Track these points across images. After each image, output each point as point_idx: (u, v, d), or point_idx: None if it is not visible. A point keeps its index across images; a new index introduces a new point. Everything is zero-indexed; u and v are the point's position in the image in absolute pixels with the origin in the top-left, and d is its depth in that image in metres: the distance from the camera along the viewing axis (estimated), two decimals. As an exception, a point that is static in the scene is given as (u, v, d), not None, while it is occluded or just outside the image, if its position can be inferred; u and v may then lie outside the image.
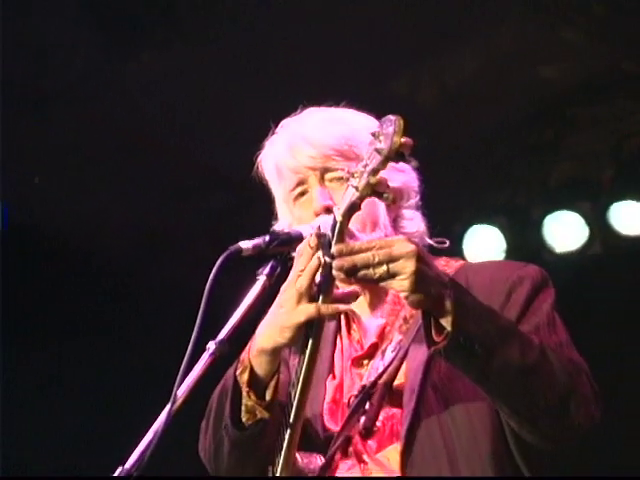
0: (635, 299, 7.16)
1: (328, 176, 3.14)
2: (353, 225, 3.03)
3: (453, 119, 6.36)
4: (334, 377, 3.25)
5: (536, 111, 7.19)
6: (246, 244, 2.92)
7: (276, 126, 3.29)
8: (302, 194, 3.17)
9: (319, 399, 3.24)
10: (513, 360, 2.82)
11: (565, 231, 7.36)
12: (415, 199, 3.29)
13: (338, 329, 3.31)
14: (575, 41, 6.63)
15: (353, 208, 2.83)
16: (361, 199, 2.82)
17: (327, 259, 2.83)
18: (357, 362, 3.17)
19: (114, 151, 7.58)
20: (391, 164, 2.86)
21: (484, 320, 2.85)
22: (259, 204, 3.38)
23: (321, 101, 3.31)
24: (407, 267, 2.71)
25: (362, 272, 2.72)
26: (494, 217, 7.48)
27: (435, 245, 3.28)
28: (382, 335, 3.18)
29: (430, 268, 2.80)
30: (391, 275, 2.71)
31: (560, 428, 2.90)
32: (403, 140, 2.74)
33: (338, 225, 2.81)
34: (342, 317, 3.29)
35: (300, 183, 3.14)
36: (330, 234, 2.86)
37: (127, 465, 2.77)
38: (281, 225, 3.21)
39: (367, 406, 3.06)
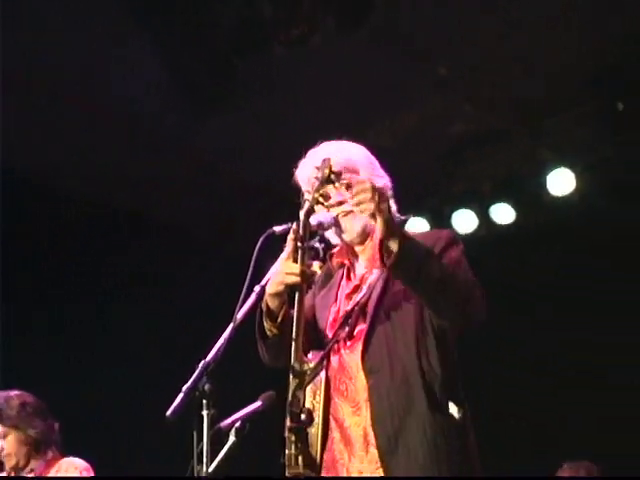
0: (502, 268, 8.35)
1: (337, 184, 3.54)
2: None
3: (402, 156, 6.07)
4: (336, 304, 3.72)
5: (446, 153, 8.52)
6: (278, 228, 3.46)
7: (305, 154, 3.77)
8: None
9: (325, 317, 3.72)
10: (434, 272, 3.30)
11: (464, 221, 8.82)
12: (390, 192, 3.72)
13: (342, 276, 3.77)
14: (466, 109, 8.01)
15: (309, 212, 3.40)
16: (311, 206, 3.41)
17: (299, 243, 3.37)
18: (348, 296, 3.66)
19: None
20: (375, 171, 3.71)
21: (417, 247, 3.35)
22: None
23: (328, 139, 3.80)
24: (369, 204, 3.30)
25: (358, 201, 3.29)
26: (424, 213, 8.61)
27: (403, 218, 3.70)
28: (362, 279, 3.66)
29: (383, 198, 3.34)
30: (368, 201, 3.29)
31: (461, 317, 3.41)
32: (328, 172, 3.41)
33: (302, 221, 3.38)
34: (345, 269, 3.78)
35: None
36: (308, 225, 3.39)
37: (208, 358, 3.31)
38: None
39: (349, 322, 3.57)
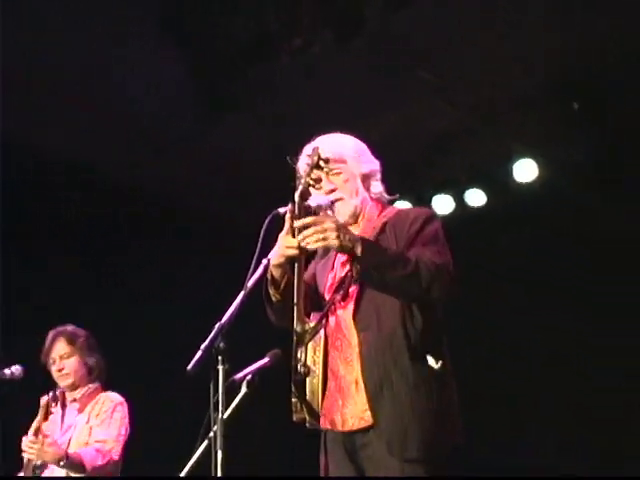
0: (475, 245, 8.23)
1: (330, 175, 3.63)
2: (345, 193, 3.62)
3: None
4: (332, 271, 3.72)
5: (427, 146, 8.55)
6: (281, 209, 3.43)
7: (303, 146, 3.72)
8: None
9: (324, 283, 3.72)
10: (396, 274, 3.30)
11: (442, 204, 8.84)
12: (378, 176, 3.75)
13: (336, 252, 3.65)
14: (444, 109, 8.00)
15: (303, 194, 3.41)
16: (304, 189, 3.42)
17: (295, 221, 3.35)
18: (343, 264, 3.63)
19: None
20: (362, 158, 3.69)
21: (379, 256, 3.34)
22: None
23: (324, 133, 3.77)
24: (332, 234, 3.27)
25: (310, 239, 3.29)
26: (408, 197, 8.41)
27: (390, 198, 3.76)
28: None
29: (347, 232, 3.32)
30: (324, 239, 3.28)
31: (429, 298, 3.41)
32: (317, 158, 3.45)
33: (297, 202, 3.39)
34: None
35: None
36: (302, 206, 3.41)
37: (222, 320, 3.29)
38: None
39: (343, 286, 3.57)
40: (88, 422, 5.11)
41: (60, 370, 5.19)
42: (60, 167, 7.98)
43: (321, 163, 3.44)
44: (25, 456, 4.92)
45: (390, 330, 3.43)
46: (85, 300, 7.74)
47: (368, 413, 3.39)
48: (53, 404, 5.16)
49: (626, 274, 8.18)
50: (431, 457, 3.34)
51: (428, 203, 8.72)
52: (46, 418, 5.01)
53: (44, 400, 5.11)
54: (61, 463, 4.88)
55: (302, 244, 3.32)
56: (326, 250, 3.70)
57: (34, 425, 4.94)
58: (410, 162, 8.58)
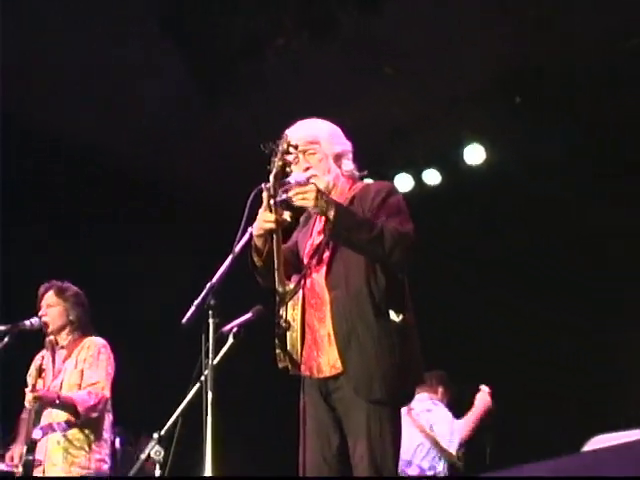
0: (432, 219, 7.87)
1: (307, 155, 3.59)
2: (318, 170, 3.57)
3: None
4: (310, 238, 3.68)
5: (390, 130, 8.47)
6: (265, 184, 3.35)
7: (284, 130, 3.59)
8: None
9: (303, 249, 3.69)
10: (363, 236, 3.33)
11: (402, 183, 8.69)
12: (350, 155, 3.71)
13: (316, 218, 3.67)
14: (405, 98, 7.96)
15: (276, 175, 3.34)
16: (277, 171, 3.33)
17: (271, 199, 3.35)
18: (319, 233, 3.60)
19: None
20: (335, 140, 3.64)
21: (349, 219, 3.37)
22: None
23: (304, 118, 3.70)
24: (311, 194, 3.33)
25: (295, 198, 3.34)
26: (373, 176, 6.94)
27: (360, 174, 3.72)
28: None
29: (325, 196, 3.36)
30: (304, 199, 3.34)
31: (390, 261, 3.41)
32: (287, 145, 3.35)
33: (271, 182, 3.34)
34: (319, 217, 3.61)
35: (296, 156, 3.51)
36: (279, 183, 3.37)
37: (213, 280, 3.30)
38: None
39: (319, 251, 3.56)
40: (76, 367, 5.05)
41: (43, 316, 5.10)
42: (61, 149, 7.84)
43: (290, 149, 3.36)
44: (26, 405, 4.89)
45: (356, 289, 3.41)
46: (92, 261, 7.69)
47: (339, 362, 3.38)
48: (45, 351, 5.18)
49: (566, 250, 8.15)
50: (393, 399, 3.36)
51: (391, 181, 8.19)
52: (40, 375, 4.96)
53: (37, 360, 5.16)
54: (57, 402, 4.88)
55: (293, 200, 3.36)
56: (307, 219, 3.69)
57: (30, 381, 4.92)
58: (374, 144, 8.09)
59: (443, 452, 6.39)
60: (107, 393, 5.02)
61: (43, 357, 5.15)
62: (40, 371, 4.96)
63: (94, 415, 4.95)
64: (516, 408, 7.73)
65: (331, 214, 3.31)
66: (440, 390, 6.68)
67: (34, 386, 4.82)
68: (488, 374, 7.49)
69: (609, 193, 7.80)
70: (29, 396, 4.76)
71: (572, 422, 7.28)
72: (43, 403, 4.85)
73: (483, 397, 6.41)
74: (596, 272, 7.92)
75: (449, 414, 6.49)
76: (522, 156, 8.11)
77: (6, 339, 4.93)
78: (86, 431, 4.95)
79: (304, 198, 3.32)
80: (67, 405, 4.89)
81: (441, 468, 6.42)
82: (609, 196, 7.80)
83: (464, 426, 6.38)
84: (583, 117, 7.60)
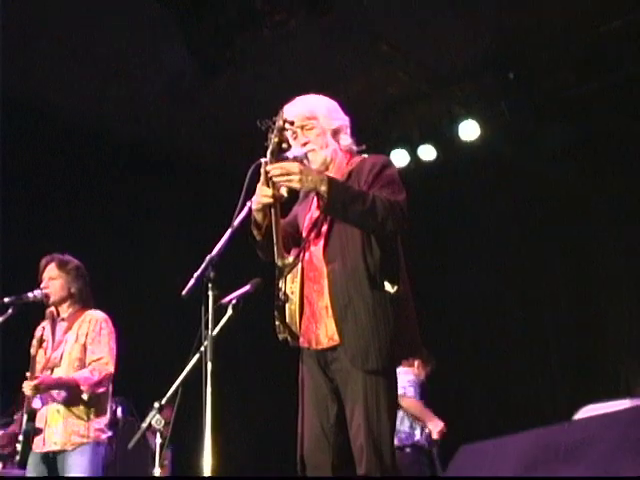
0: (427, 195, 8.31)
1: (305, 130, 3.57)
2: (316, 145, 3.55)
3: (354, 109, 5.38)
4: (309, 213, 3.67)
5: (386, 107, 8.62)
6: (264, 159, 3.34)
7: (283, 106, 3.55)
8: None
9: (302, 222, 3.68)
10: (357, 208, 3.31)
11: (398, 158, 8.71)
12: (348, 130, 3.67)
13: (314, 196, 3.60)
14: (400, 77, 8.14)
15: (273, 151, 3.32)
16: (274, 147, 3.32)
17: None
18: (318, 207, 3.55)
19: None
20: (333, 115, 3.61)
21: (342, 193, 3.33)
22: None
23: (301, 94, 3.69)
24: (295, 177, 3.29)
25: (279, 180, 3.30)
26: (369, 152, 7.45)
27: (358, 149, 3.68)
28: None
29: (310, 174, 3.33)
30: (288, 181, 3.31)
31: (383, 232, 3.40)
32: (283, 121, 3.31)
33: (268, 158, 3.32)
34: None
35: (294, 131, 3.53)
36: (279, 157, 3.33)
37: (213, 253, 3.30)
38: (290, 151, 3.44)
39: (317, 225, 3.55)
40: (77, 340, 5.05)
41: (44, 289, 5.09)
42: (61, 120, 7.84)
43: (286, 125, 3.32)
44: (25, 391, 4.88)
45: (353, 262, 3.40)
46: (91, 232, 7.67)
47: (336, 334, 3.39)
48: (45, 322, 5.17)
49: (557, 224, 8.29)
50: (388, 368, 3.37)
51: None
52: (40, 345, 5.00)
53: (38, 331, 5.15)
54: (56, 386, 4.91)
55: (278, 183, 3.32)
56: (305, 194, 3.66)
57: (32, 352, 4.95)
58: (371, 121, 8.51)
59: (416, 420, 6.43)
60: (111, 368, 5.01)
61: (44, 328, 5.14)
62: (40, 341, 4.99)
63: (100, 391, 4.97)
64: (506, 378, 7.97)
65: (323, 189, 3.28)
66: (417, 363, 6.61)
67: (31, 375, 4.84)
68: (480, 342, 8.08)
69: (597, 165, 8.05)
70: (27, 386, 4.78)
71: (564, 392, 7.54)
72: (41, 391, 4.85)
73: (438, 428, 6.38)
74: (584, 241, 8.15)
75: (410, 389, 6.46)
76: (513, 132, 8.24)
77: (10, 311, 4.96)
78: (87, 402, 4.96)
79: (288, 180, 3.29)
80: (70, 386, 4.91)
81: (419, 436, 6.47)
82: (597, 168, 8.05)
83: (414, 408, 6.40)
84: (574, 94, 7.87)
